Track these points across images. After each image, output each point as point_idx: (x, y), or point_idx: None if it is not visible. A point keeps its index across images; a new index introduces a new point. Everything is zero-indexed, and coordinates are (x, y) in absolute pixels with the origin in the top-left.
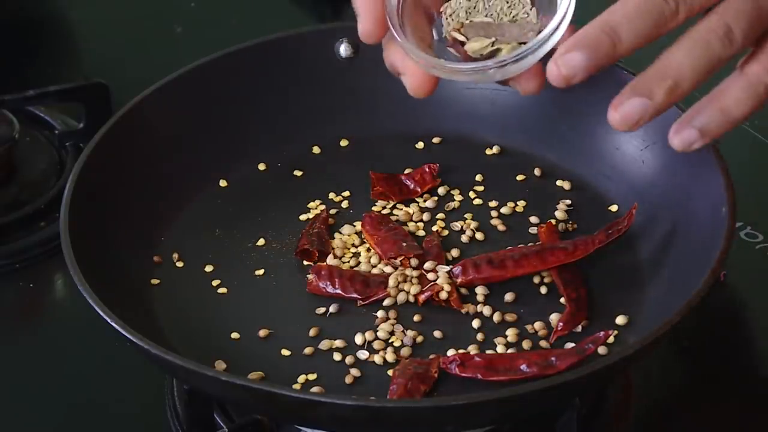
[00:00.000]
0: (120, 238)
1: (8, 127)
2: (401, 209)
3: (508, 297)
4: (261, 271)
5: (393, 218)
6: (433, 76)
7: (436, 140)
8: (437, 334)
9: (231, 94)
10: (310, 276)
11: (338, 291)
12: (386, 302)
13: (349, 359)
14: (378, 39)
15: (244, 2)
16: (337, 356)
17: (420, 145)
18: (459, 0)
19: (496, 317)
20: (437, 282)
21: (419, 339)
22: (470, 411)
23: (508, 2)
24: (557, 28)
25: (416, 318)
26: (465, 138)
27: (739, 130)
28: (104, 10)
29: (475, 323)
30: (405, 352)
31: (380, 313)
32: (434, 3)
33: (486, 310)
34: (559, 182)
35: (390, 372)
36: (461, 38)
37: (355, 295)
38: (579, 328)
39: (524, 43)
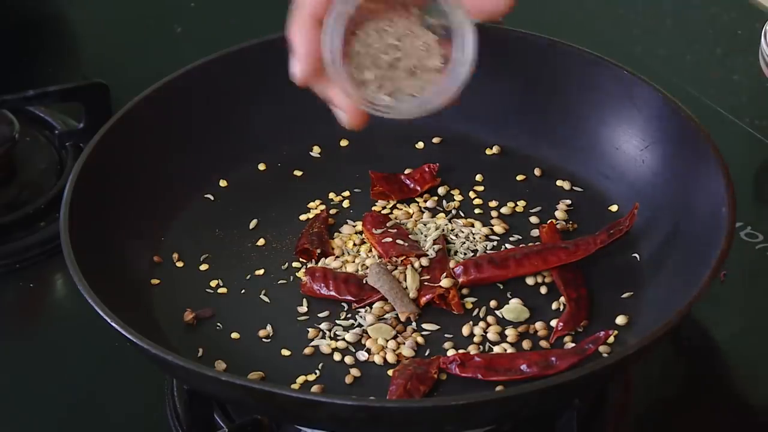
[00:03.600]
0: (120, 239)
1: (8, 127)
2: (401, 209)
3: (509, 297)
4: (261, 271)
5: (392, 217)
6: (363, 113)
7: (436, 140)
8: (437, 334)
9: (231, 94)
10: (303, 278)
11: (332, 293)
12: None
13: (349, 359)
14: (311, 82)
15: (244, 2)
16: (337, 356)
17: (420, 145)
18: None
19: (496, 317)
20: (440, 284)
21: (419, 339)
22: (470, 411)
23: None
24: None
25: (416, 318)
26: (465, 138)
27: (739, 130)
28: (104, 10)
29: (476, 323)
30: (405, 352)
31: (380, 314)
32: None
33: (486, 310)
34: (559, 182)
35: (390, 372)
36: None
37: (349, 297)
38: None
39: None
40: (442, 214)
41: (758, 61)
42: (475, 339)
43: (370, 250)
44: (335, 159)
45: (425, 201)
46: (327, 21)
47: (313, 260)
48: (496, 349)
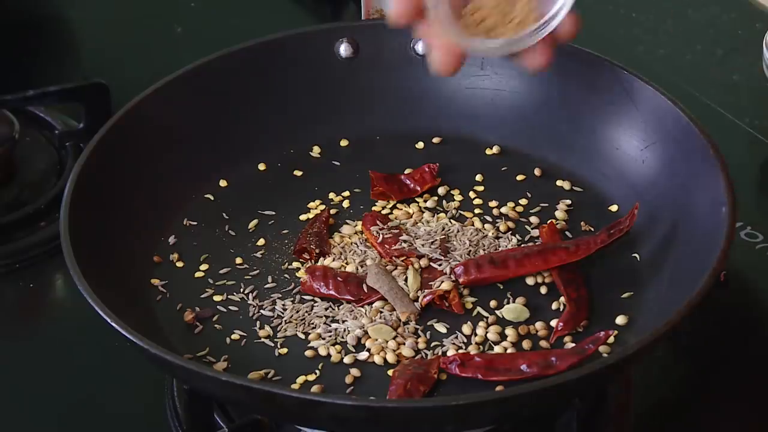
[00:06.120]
0: (120, 238)
1: (8, 127)
2: (401, 209)
3: (509, 297)
4: (261, 271)
5: (392, 217)
6: (457, 54)
7: (436, 140)
8: (437, 334)
9: (231, 94)
10: (303, 276)
11: (332, 292)
12: (385, 305)
13: (349, 359)
14: (407, 22)
15: (244, 2)
16: (336, 356)
17: (420, 145)
18: None
19: (496, 317)
20: (441, 286)
21: (419, 339)
22: (470, 411)
23: None
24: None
25: (416, 318)
26: (465, 138)
27: (739, 130)
28: (104, 10)
29: (476, 323)
30: (405, 352)
31: (380, 313)
32: None
33: (486, 310)
34: (559, 182)
35: (390, 372)
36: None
37: (348, 297)
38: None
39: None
40: (442, 214)
41: (758, 61)
42: (475, 339)
43: (370, 250)
44: (335, 159)
45: (425, 201)
46: None
47: (311, 260)
48: (497, 349)
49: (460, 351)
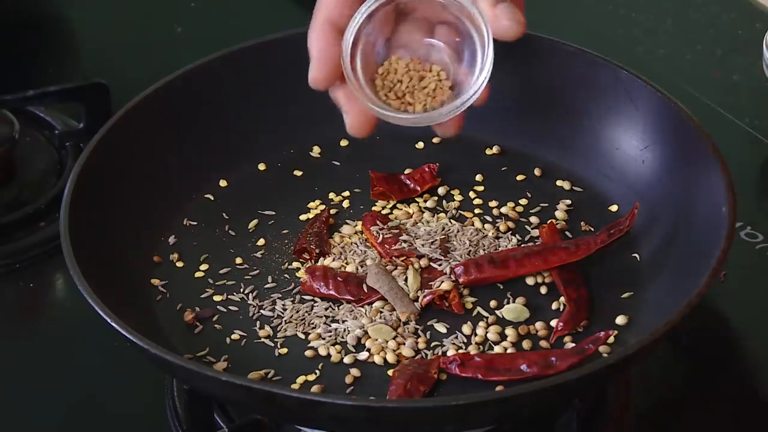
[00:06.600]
0: (120, 238)
1: (8, 127)
2: (401, 209)
3: (509, 297)
4: (261, 271)
5: (392, 217)
6: (372, 118)
7: (436, 140)
8: (437, 334)
9: (231, 94)
10: (303, 276)
11: (332, 292)
12: (385, 305)
13: (349, 359)
14: (327, 87)
15: (244, 2)
16: (336, 356)
17: (420, 145)
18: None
19: (496, 317)
20: (441, 286)
21: (419, 339)
22: (470, 411)
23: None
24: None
25: (416, 318)
26: (465, 138)
27: (739, 130)
28: (104, 10)
29: (476, 323)
30: (405, 352)
31: (380, 313)
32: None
33: (486, 310)
34: (559, 182)
35: (390, 372)
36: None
37: (348, 297)
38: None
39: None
40: (442, 214)
41: (758, 60)
42: (475, 339)
43: (370, 250)
44: (335, 159)
45: (425, 201)
46: (348, 27)
47: (311, 260)
48: (497, 349)
49: (460, 351)
